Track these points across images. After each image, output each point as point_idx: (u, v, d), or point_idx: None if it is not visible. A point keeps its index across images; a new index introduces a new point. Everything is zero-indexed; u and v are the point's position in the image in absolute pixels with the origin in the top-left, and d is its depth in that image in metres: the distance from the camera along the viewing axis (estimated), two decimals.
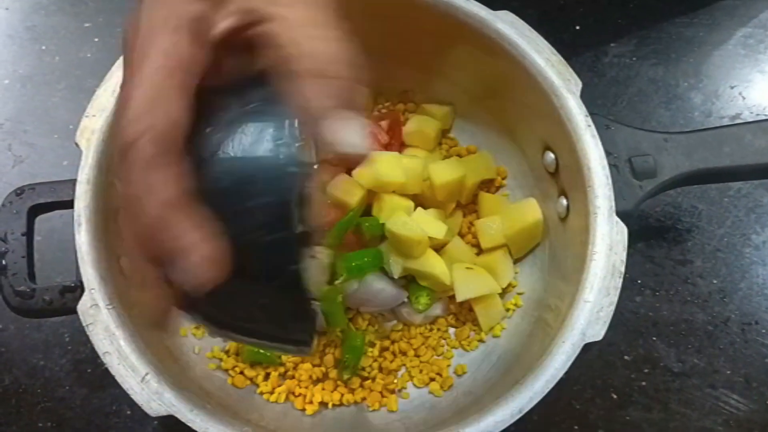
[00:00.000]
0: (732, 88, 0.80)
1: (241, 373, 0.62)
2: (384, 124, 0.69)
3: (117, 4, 0.80)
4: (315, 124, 0.33)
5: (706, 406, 0.67)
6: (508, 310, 0.66)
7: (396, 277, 0.63)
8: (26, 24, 0.79)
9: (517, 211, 0.66)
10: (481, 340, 0.65)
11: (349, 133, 0.33)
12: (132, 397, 0.47)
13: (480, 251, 0.67)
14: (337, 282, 0.62)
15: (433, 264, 0.63)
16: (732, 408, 0.67)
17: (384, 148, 0.68)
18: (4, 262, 0.53)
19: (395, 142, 0.69)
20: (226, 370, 0.62)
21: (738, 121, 0.78)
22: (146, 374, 0.48)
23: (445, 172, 0.64)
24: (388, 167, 0.62)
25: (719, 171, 0.60)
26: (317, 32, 0.35)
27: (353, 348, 0.62)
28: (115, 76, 0.55)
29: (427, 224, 0.63)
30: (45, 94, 0.75)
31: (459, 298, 0.63)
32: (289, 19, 0.34)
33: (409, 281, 0.65)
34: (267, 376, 0.63)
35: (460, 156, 0.70)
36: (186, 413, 0.47)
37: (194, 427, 0.47)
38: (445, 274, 0.62)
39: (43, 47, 0.77)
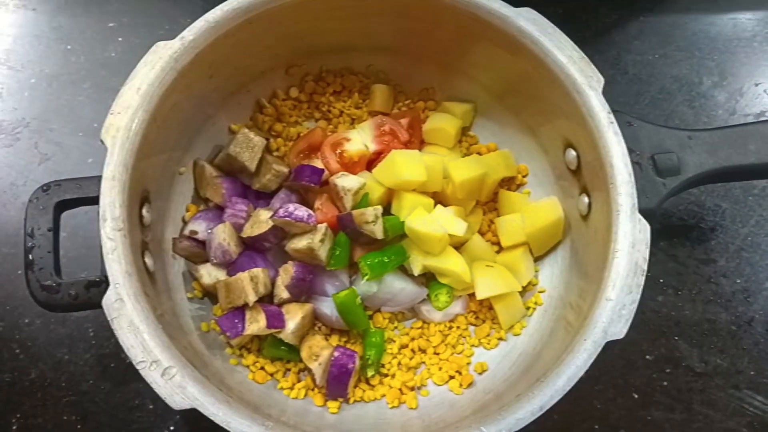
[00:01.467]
0: (757, 85, 0.79)
1: (262, 368, 0.62)
2: (404, 121, 0.69)
3: (141, 4, 0.81)
4: None
5: (729, 407, 0.66)
6: (528, 308, 0.65)
7: (416, 274, 0.63)
8: (52, 24, 0.80)
9: (538, 210, 0.65)
10: (501, 338, 0.65)
11: None
12: (155, 390, 0.48)
13: (500, 249, 0.67)
14: (362, 282, 0.62)
15: (454, 261, 0.63)
16: (756, 410, 0.66)
17: (404, 146, 0.68)
18: (30, 257, 0.54)
19: (415, 140, 0.69)
20: (247, 366, 0.62)
21: (763, 118, 0.77)
22: (170, 368, 0.48)
23: (465, 170, 0.64)
24: (409, 165, 0.63)
25: (744, 168, 0.59)
26: None
27: (374, 345, 0.63)
28: (139, 75, 0.55)
29: (447, 221, 0.63)
30: (70, 93, 0.77)
31: (479, 296, 0.63)
32: None
33: (429, 279, 0.65)
34: (287, 372, 0.63)
35: (480, 154, 0.70)
36: (208, 407, 0.48)
37: (216, 421, 0.47)
38: (465, 272, 0.62)
39: (69, 47, 0.79)
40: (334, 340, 0.65)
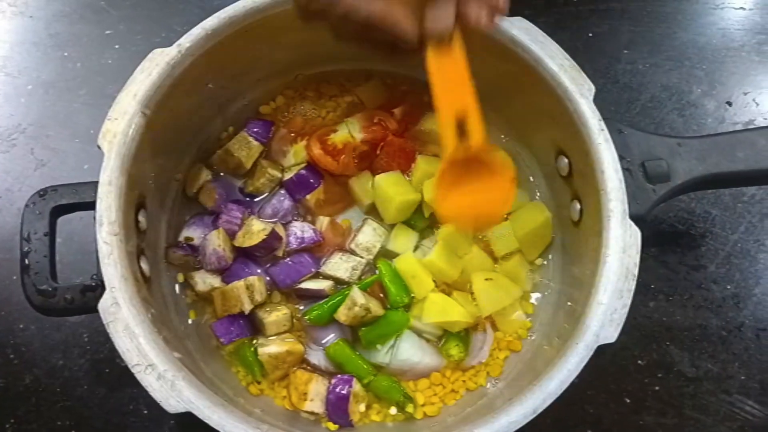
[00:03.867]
0: (745, 94, 0.80)
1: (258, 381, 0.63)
2: (398, 110, 0.70)
3: (137, 12, 0.82)
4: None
5: (720, 411, 0.67)
6: (526, 315, 0.66)
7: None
8: (50, 32, 0.81)
9: (525, 214, 0.67)
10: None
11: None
12: (151, 393, 0.48)
13: (495, 259, 0.68)
14: (375, 354, 0.62)
15: (449, 311, 0.62)
16: (747, 414, 0.66)
17: (393, 135, 0.68)
18: (27, 261, 0.54)
19: (408, 127, 0.70)
20: (237, 372, 0.63)
21: (751, 126, 0.78)
22: (165, 371, 0.48)
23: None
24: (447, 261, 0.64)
25: (733, 175, 0.60)
26: None
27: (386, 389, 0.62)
28: (136, 81, 0.56)
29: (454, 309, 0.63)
30: (67, 99, 0.77)
31: (484, 314, 0.64)
32: None
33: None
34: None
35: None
36: (203, 410, 0.48)
37: (211, 424, 0.48)
38: (464, 314, 0.62)
39: (66, 54, 0.79)
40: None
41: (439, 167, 0.48)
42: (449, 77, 0.45)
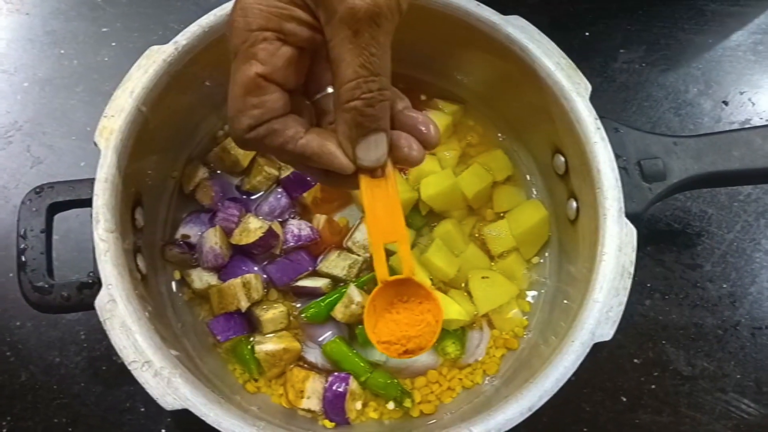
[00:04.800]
0: (741, 93, 0.80)
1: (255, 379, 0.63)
2: None
3: (134, 9, 0.81)
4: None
5: (716, 410, 0.67)
6: (523, 313, 0.66)
7: None
8: (46, 29, 0.80)
9: (523, 212, 0.67)
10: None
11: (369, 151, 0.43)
12: (147, 390, 0.48)
13: (491, 257, 0.68)
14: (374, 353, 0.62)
15: (445, 309, 0.60)
16: (742, 412, 0.67)
17: None
18: (23, 258, 0.54)
19: None
20: (233, 369, 0.63)
21: (747, 126, 0.78)
22: (161, 368, 0.48)
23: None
24: (443, 259, 0.64)
25: (729, 174, 0.60)
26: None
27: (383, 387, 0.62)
28: (133, 78, 0.56)
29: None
30: (63, 96, 0.77)
31: (481, 312, 0.64)
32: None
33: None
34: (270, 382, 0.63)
35: (471, 145, 0.71)
36: (200, 407, 0.48)
37: (208, 421, 0.48)
38: (460, 313, 0.62)
39: (62, 51, 0.79)
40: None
41: (372, 293, 0.48)
42: (381, 207, 0.45)
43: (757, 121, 0.79)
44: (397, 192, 0.46)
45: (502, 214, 0.68)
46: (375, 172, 0.45)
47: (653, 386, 0.67)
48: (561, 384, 0.50)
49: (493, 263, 0.67)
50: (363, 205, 0.47)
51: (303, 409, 0.60)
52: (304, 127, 0.43)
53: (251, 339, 0.62)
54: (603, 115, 0.58)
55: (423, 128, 0.45)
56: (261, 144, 0.43)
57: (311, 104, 0.47)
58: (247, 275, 0.62)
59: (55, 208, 0.56)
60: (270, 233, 0.63)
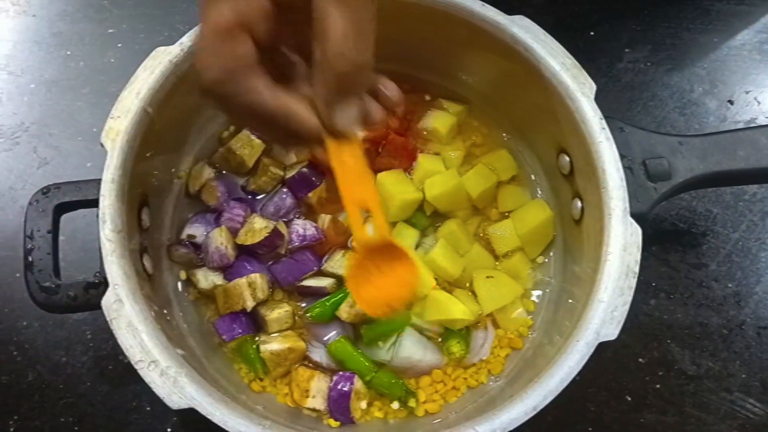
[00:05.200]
0: (747, 93, 0.80)
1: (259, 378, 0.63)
2: (399, 109, 0.70)
3: (140, 11, 0.82)
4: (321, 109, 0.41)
5: (721, 410, 0.67)
6: (528, 313, 0.66)
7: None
8: (52, 30, 0.81)
9: (527, 212, 0.67)
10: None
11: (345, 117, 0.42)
12: (154, 390, 0.48)
13: (496, 257, 0.68)
14: (377, 350, 0.62)
15: (450, 309, 0.62)
16: (748, 412, 0.66)
17: (395, 133, 0.69)
18: (30, 258, 0.54)
19: (407, 130, 0.70)
20: (239, 368, 0.63)
21: (753, 125, 0.78)
22: (168, 368, 0.49)
23: (478, 183, 0.66)
24: (448, 259, 0.65)
25: (734, 174, 0.60)
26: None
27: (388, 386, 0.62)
28: (139, 79, 0.56)
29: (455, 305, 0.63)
30: (70, 98, 0.77)
31: (486, 312, 0.64)
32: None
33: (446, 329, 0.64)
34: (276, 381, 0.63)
35: (476, 145, 0.71)
36: (206, 406, 0.48)
37: (214, 420, 0.48)
38: (465, 312, 0.62)
39: (69, 53, 0.80)
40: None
41: (352, 257, 0.49)
42: (350, 170, 0.45)
43: (762, 120, 0.79)
44: (364, 155, 0.45)
45: (506, 214, 0.68)
46: (347, 137, 0.44)
47: (658, 386, 0.67)
48: (566, 383, 0.50)
49: (497, 263, 0.67)
50: (334, 172, 0.46)
51: (308, 409, 0.60)
52: (273, 85, 0.41)
53: (256, 338, 0.63)
54: (608, 114, 0.58)
55: (387, 91, 0.46)
56: (229, 100, 0.40)
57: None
58: (253, 275, 0.62)
59: (61, 209, 0.56)
60: (275, 233, 0.63)
